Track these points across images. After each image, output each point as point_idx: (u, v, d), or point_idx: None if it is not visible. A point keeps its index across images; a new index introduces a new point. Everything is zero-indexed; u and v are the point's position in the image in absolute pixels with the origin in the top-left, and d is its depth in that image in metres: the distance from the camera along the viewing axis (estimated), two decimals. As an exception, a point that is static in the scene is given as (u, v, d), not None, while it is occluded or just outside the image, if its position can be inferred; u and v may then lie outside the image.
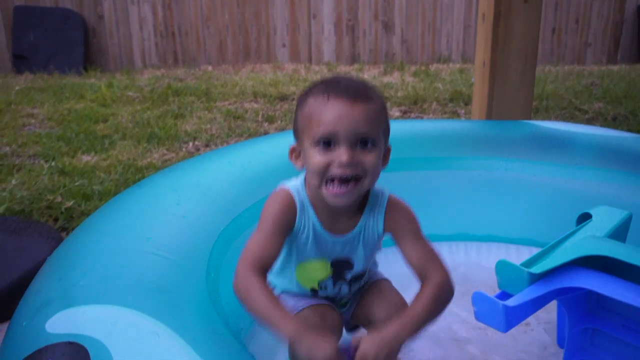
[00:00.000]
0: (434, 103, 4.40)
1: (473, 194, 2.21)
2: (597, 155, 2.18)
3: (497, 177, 2.21)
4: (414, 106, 4.37)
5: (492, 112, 2.68)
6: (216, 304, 1.31)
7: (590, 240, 1.27)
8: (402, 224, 1.29)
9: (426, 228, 2.16)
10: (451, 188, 2.21)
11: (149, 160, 3.12)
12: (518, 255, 2.03)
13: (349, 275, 1.37)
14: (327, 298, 1.42)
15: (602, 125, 3.93)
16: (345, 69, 5.92)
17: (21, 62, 5.78)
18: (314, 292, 1.40)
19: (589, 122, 4.03)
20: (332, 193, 1.19)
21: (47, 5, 5.90)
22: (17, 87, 4.72)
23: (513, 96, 2.67)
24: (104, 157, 3.18)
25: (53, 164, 3.00)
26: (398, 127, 2.46)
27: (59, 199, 2.57)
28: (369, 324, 1.40)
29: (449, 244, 2.17)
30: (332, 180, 1.18)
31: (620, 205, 1.82)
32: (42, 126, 3.78)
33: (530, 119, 2.79)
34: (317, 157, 1.17)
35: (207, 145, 3.45)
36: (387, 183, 2.12)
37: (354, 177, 1.18)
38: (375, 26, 6.31)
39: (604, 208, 1.47)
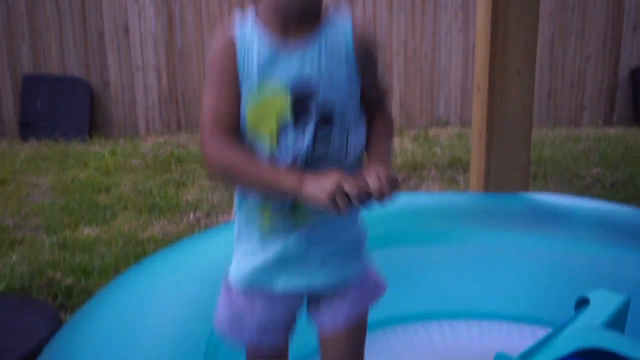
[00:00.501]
0: (433, 170, 4.44)
1: (473, 269, 2.21)
2: (594, 229, 2.20)
3: (498, 252, 2.21)
4: (414, 173, 4.42)
5: (490, 183, 2.71)
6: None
7: (590, 331, 1.26)
8: (370, 58, 1.15)
9: (425, 305, 2.16)
10: (450, 263, 2.21)
11: (150, 233, 3.14)
12: (521, 336, 2.00)
13: (313, 107, 1.08)
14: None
15: (601, 192, 3.95)
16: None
17: (28, 129, 5.89)
18: (272, 149, 1.09)
19: (588, 188, 4.06)
20: None
21: (55, 73, 6.06)
22: (22, 156, 4.80)
23: (510, 166, 2.71)
24: (106, 229, 3.21)
25: (55, 238, 3.02)
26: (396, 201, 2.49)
27: (59, 275, 2.58)
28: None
29: (449, 322, 2.15)
30: None
31: (618, 280, 1.83)
32: (46, 196, 3.82)
33: (528, 188, 2.82)
34: None
35: (208, 216, 3.47)
36: (384, 258, 2.13)
37: None
38: (375, 91, 6.44)
39: (602, 293, 1.47)
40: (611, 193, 3.88)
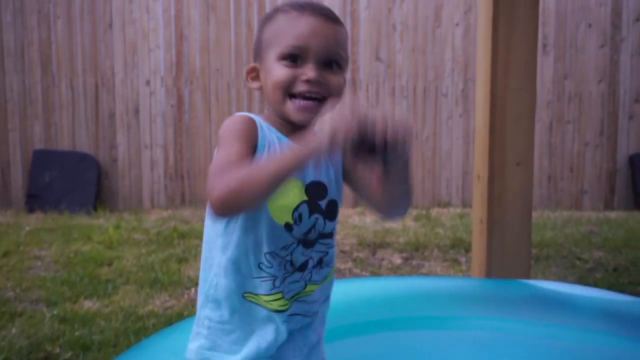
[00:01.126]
0: (435, 250, 4.46)
1: (473, 354, 2.19)
2: (596, 319, 2.19)
3: (498, 338, 2.20)
4: (415, 252, 4.43)
5: (492, 269, 2.73)
6: None
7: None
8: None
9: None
10: (451, 348, 2.20)
11: (150, 307, 3.13)
12: None
13: (324, 204, 1.20)
14: (299, 244, 1.19)
15: (604, 276, 3.95)
16: (347, 212, 6.06)
17: (34, 200, 5.98)
18: (288, 228, 1.17)
19: (590, 272, 4.06)
20: (296, 106, 1.12)
21: (65, 149, 6.21)
22: (27, 228, 4.85)
23: (511, 252, 2.73)
24: (106, 302, 3.20)
25: (55, 312, 3.01)
26: (397, 285, 2.50)
27: (58, 350, 2.55)
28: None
29: (452, 408, 2.11)
30: (296, 97, 1.12)
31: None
32: (48, 269, 3.83)
33: (529, 273, 2.84)
34: (281, 71, 1.12)
35: (209, 292, 3.46)
36: (384, 343, 2.12)
37: (318, 98, 1.12)
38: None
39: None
40: (613, 277, 3.88)
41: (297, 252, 1.18)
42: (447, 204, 6.53)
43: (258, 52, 1.20)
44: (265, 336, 1.19)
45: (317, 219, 1.19)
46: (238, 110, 6.35)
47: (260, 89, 1.19)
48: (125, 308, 3.11)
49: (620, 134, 6.72)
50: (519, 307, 2.26)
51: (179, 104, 6.33)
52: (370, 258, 4.32)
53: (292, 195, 1.16)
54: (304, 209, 1.17)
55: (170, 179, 6.34)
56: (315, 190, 1.18)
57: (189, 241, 4.53)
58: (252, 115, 1.17)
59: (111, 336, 2.72)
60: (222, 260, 1.21)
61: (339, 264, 4.13)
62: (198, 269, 4.07)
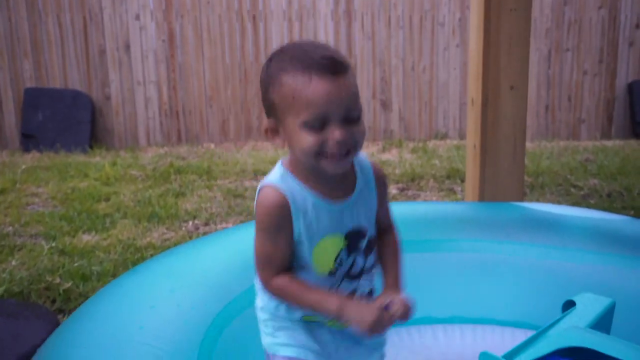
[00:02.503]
0: (431, 180, 4.48)
1: (467, 276, 2.23)
2: (587, 238, 2.22)
3: (490, 260, 2.24)
4: (412, 183, 4.45)
5: (485, 194, 2.74)
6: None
7: (573, 331, 1.29)
8: (384, 189, 1.35)
9: (420, 310, 2.18)
10: (445, 270, 2.24)
11: (148, 239, 3.17)
12: (513, 338, 2.02)
13: (363, 244, 1.31)
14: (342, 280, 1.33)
15: (598, 202, 3.98)
16: (344, 146, 6.06)
17: (29, 140, 5.95)
18: (330, 274, 1.30)
19: (585, 198, 4.09)
20: (330, 163, 1.18)
21: (56, 86, 6.13)
22: (23, 166, 4.84)
23: (504, 178, 2.74)
24: (104, 236, 3.23)
25: (54, 244, 3.05)
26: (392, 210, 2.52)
27: (58, 280, 2.60)
28: None
29: (444, 326, 2.17)
30: (327, 156, 1.18)
31: (609, 288, 1.85)
32: (46, 205, 3.85)
33: (522, 199, 2.85)
34: (309, 139, 1.16)
35: (206, 224, 3.50)
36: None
37: (349, 151, 1.19)
38: (374, 104, 6.50)
39: (588, 295, 1.50)
40: (607, 203, 3.91)
41: (343, 287, 1.30)
42: (444, 136, 6.51)
43: (272, 112, 1.22)
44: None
45: (355, 258, 1.30)
46: (231, 46, 6.22)
47: (284, 143, 1.23)
48: (124, 241, 3.15)
49: (620, 62, 6.62)
50: (511, 229, 2.29)
51: (170, 39, 6.20)
52: (366, 189, 4.34)
53: (331, 248, 1.27)
54: (344, 254, 1.29)
55: (165, 116, 6.29)
56: (354, 236, 1.29)
57: (185, 176, 4.55)
58: (280, 186, 1.23)
59: (110, 267, 2.76)
60: None
61: (335, 196, 4.15)
62: (195, 203, 4.10)
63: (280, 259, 1.24)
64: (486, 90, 2.64)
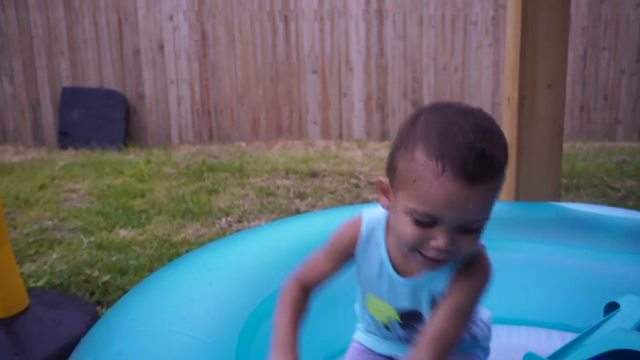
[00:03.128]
0: (463, 180, 4.44)
1: (501, 276, 2.21)
2: (626, 239, 2.18)
3: (526, 260, 2.21)
4: (443, 183, 4.42)
5: (520, 194, 2.71)
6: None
7: (619, 333, 1.27)
8: (457, 288, 1.13)
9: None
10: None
11: (183, 235, 3.22)
12: (549, 340, 2.00)
13: (419, 325, 1.23)
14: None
15: (636, 204, 3.90)
16: (375, 146, 6.05)
17: (65, 138, 6.09)
18: (387, 328, 1.31)
19: (622, 200, 4.01)
20: (424, 263, 1.08)
21: (92, 86, 6.26)
22: (60, 163, 4.96)
23: (540, 178, 2.70)
24: (140, 231, 3.29)
25: (92, 238, 3.12)
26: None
27: (96, 273, 2.66)
28: None
29: (478, 326, 2.16)
30: (422, 253, 1.06)
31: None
32: (83, 201, 3.94)
33: (558, 200, 2.81)
34: (409, 229, 1.03)
35: (239, 222, 3.54)
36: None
37: (446, 259, 1.06)
38: (405, 104, 6.48)
39: (632, 297, 1.47)
40: (645, 205, 3.83)
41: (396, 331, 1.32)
42: (476, 136, 6.44)
43: (390, 174, 1.10)
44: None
45: (412, 332, 1.26)
46: (262, 46, 6.27)
47: (388, 207, 1.13)
48: (159, 236, 3.20)
49: (658, 61, 6.47)
50: (547, 229, 2.26)
51: (202, 38, 6.27)
52: (397, 189, 4.33)
53: (384, 310, 1.26)
54: (397, 326, 1.28)
55: (198, 115, 6.37)
56: (409, 316, 1.24)
57: (217, 174, 4.60)
58: (365, 224, 1.20)
59: (146, 261, 2.81)
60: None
61: (366, 195, 4.16)
62: (227, 200, 4.16)
63: (315, 276, 1.24)
64: (522, 88, 2.61)
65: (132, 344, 1.37)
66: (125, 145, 6.05)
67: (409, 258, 1.13)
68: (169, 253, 2.92)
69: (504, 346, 1.99)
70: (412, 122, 1.06)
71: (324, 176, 4.56)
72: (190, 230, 3.32)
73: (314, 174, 4.63)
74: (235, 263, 1.86)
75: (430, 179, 0.98)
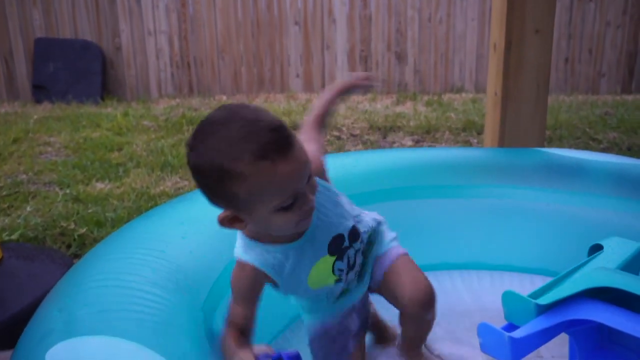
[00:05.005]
0: (447, 132, 4.40)
1: (485, 222, 2.19)
2: (611, 184, 2.16)
3: (509, 205, 2.19)
4: (427, 135, 4.38)
5: (504, 142, 2.67)
6: (211, 340, 1.30)
7: (601, 271, 1.25)
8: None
9: (437, 256, 2.16)
10: (463, 216, 2.20)
11: (162, 188, 3.15)
12: (532, 285, 1.99)
13: (345, 243, 1.35)
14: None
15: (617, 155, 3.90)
16: (358, 99, 5.96)
17: (40, 91, 5.91)
18: (338, 282, 1.38)
19: (604, 152, 4.00)
20: (305, 223, 1.21)
21: (67, 37, 6.04)
22: (35, 116, 4.82)
23: (525, 125, 2.67)
24: (118, 185, 3.22)
25: (68, 191, 3.04)
26: (409, 155, 2.47)
27: (72, 225, 2.60)
28: (394, 300, 1.45)
29: (460, 272, 2.15)
30: (302, 219, 1.19)
31: (635, 234, 1.80)
32: (59, 154, 3.84)
33: (543, 147, 2.78)
34: (285, 218, 1.15)
35: (219, 174, 3.47)
36: (399, 211, 2.12)
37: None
38: (388, 57, 6.37)
39: (617, 239, 1.45)
40: (628, 156, 3.83)
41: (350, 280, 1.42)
42: (460, 89, 6.37)
43: (231, 204, 1.16)
44: None
45: (349, 257, 1.37)
46: (243, -7, 6.07)
47: (247, 227, 1.23)
48: (137, 189, 3.14)
49: (644, 13, 6.39)
50: (531, 174, 2.23)
51: (181, -13, 6.06)
52: (380, 141, 4.28)
53: (324, 270, 1.34)
54: (338, 264, 1.36)
55: (177, 67, 6.20)
56: (335, 245, 1.34)
57: (197, 127, 4.50)
58: (252, 265, 1.28)
59: (124, 214, 2.75)
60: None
61: (349, 147, 4.10)
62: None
63: (248, 325, 1.31)
64: (510, 34, 2.54)
65: (100, 296, 1.32)
66: (103, 99, 5.89)
67: (295, 231, 1.24)
68: (148, 205, 2.86)
69: (486, 291, 1.98)
70: (202, 153, 1.11)
71: (306, 129, 4.48)
72: (169, 183, 3.26)
73: (296, 127, 4.53)
74: (211, 216, 1.80)
75: (272, 175, 1.08)
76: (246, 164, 1.06)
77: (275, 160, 1.07)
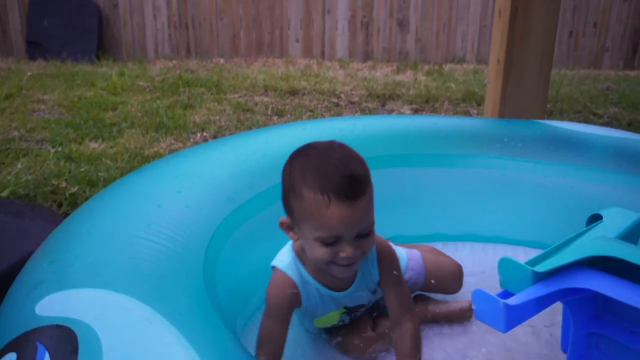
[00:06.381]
0: (446, 102, 4.35)
1: (481, 193, 2.17)
2: (610, 157, 2.13)
3: (507, 177, 2.16)
4: (426, 105, 4.32)
5: (505, 112, 2.63)
6: (211, 294, 1.28)
7: (600, 240, 1.22)
8: (390, 273, 1.43)
9: (432, 227, 2.14)
10: (459, 186, 2.17)
11: (155, 149, 3.11)
12: (526, 257, 1.98)
13: (363, 310, 1.53)
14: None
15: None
16: (357, 66, 5.87)
17: (35, 48, 5.80)
18: (338, 322, 1.55)
19: (604, 126, 3.96)
20: (339, 270, 1.30)
21: (62, -8, 5.91)
22: (29, 73, 4.73)
23: (527, 96, 2.62)
24: (111, 144, 3.17)
25: (60, 149, 2.99)
26: (407, 123, 2.43)
27: (64, 184, 2.56)
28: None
29: (454, 244, 2.13)
30: (337, 264, 1.29)
31: (633, 209, 1.78)
32: (52, 112, 3.77)
33: (544, 119, 2.74)
34: (321, 251, 1.26)
35: (215, 137, 3.42)
36: (395, 179, 2.09)
37: (356, 260, 1.30)
38: (390, 23, 6.26)
39: (616, 209, 1.43)
40: (628, 131, 3.79)
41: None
42: (461, 60, 6.29)
43: (289, 214, 1.31)
44: None
45: (360, 313, 1.55)
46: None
47: (298, 239, 1.34)
48: (131, 149, 3.09)
49: (651, -13, 6.28)
50: (530, 146, 2.20)
51: (180, -55, 5.90)
52: (379, 109, 4.23)
53: (333, 317, 1.49)
54: (345, 316, 1.52)
55: (175, 28, 6.09)
56: (354, 308, 1.50)
57: (194, 89, 4.43)
58: (291, 274, 1.39)
59: (117, 174, 2.71)
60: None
61: (347, 114, 4.05)
62: (203, 115, 4.03)
63: (279, 346, 1.37)
64: (516, 0, 2.47)
65: (92, 248, 1.29)
66: (98, 58, 5.79)
67: (329, 272, 1.33)
68: (141, 166, 2.82)
69: (478, 262, 1.97)
70: (289, 168, 1.28)
71: (303, 94, 4.42)
72: (163, 144, 3.21)
73: (293, 92, 4.48)
74: (207, 170, 1.77)
75: (322, 211, 1.21)
76: (308, 190, 1.22)
77: (331, 200, 1.20)
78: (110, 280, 1.15)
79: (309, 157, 1.26)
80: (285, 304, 1.38)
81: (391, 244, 1.55)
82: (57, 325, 1.02)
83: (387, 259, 1.44)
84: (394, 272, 1.43)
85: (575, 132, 2.28)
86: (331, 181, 1.20)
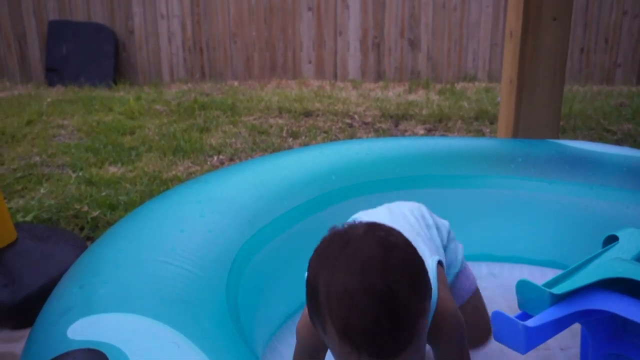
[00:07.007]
0: (459, 121, 4.38)
1: (497, 213, 2.19)
2: (625, 176, 2.14)
3: (522, 197, 2.18)
4: (439, 124, 4.36)
5: (519, 131, 2.65)
6: (234, 317, 1.31)
7: (616, 262, 1.24)
8: (445, 342, 1.21)
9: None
10: (474, 207, 2.19)
11: (174, 172, 3.16)
12: (542, 277, 1.99)
13: None
14: None
15: (631, 147, 3.86)
16: (370, 86, 5.93)
17: (53, 74, 5.93)
18: None
19: (618, 143, 3.96)
20: None
21: (80, 19, 6.05)
22: (48, 99, 4.84)
23: (540, 114, 2.64)
24: (130, 168, 3.24)
25: (81, 174, 3.06)
26: (422, 144, 2.46)
27: (86, 208, 2.62)
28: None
29: (471, 263, 2.14)
30: None
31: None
32: (72, 137, 3.86)
33: (557, 138, 2.76)
34: None
35: (231, 159, 3.48)
36: (410, 200, 2.11)
37: None
38: (401, 43, 6.32)
39: (632, 230, 1.44)
40: (642, 148, 3.79)
41: None
42: (473, 78, 6.33)
43: (316, 325, 1.05)
44: None
45: None
46: (256, -22, 6.03)
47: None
48: (149, 173, 3.15)
49: (662, 2, 6.29)
50: (545, 166, 2.22)
51: (194, -29, 6.03)
52: (392, 129, 4.27)
53: None
54: None
55: (189, 52, 6.20)
56: None
57: (210, 112, 4.50)
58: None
59: (137, 197, 2.77)
60: None
61: (360, 134, 4.09)
62: (219, 137, 4.09)
63: None
64: (526, 21, 2.51)
65: (120, 273, 1.33)
66: (115, 82, 5.90)
67: None
68: (160, 189, 2.88)
69: (496, 283, 1.98)
70: (314, 276, 1.00)
71: (317, 115, 4.47)
72: (181, 168, 3.27)
73: (307, 113, 4.54)
74: (227, 195, 1.81)
75: (349, 357, 0.95)
76: (331, 327, 0.96)
77: (362, 356, 0.93)
78: (138, 305, 1.18)
79: (340, 273, 0.96)
80: (312, 342, 1.25)
81: (467, 265, 1.50)
82: (88, 349, 1.06)
83: (445, 323, 1.19)
84: (450, 342, 1.20)
85: (589, 151, 2.30)
86: (357, 333, 0.92)
